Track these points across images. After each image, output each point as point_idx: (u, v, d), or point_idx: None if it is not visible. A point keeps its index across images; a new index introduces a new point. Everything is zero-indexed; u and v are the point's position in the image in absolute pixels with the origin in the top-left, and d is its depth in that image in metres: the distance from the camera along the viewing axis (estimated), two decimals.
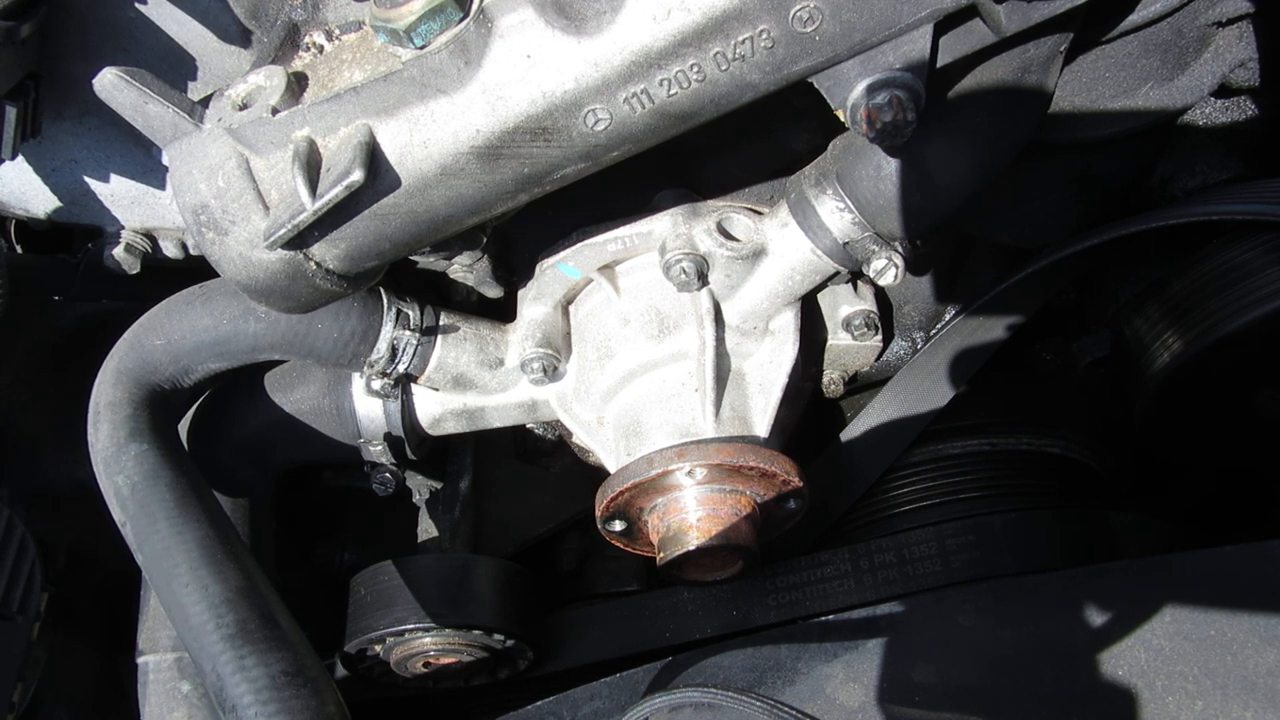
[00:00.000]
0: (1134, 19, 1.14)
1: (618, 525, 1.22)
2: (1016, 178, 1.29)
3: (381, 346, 1.26)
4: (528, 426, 1.49)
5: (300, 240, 0.96)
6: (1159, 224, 1.22)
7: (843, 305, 1.37)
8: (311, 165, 0.92)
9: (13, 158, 1.23)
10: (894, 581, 1.35)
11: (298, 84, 0.96)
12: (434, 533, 1.55)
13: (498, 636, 1.39)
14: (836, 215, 1.15)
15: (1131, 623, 1.02)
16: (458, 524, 1.51)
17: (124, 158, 1.37)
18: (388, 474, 1.43)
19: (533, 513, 1.59)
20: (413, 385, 1.36)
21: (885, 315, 1.45)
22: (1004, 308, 1.40)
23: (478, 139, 0.92)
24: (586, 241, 1.27)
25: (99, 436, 1.21)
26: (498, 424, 1.40)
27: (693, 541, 1.15)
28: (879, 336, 1.38)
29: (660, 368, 1.24)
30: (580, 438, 1.35)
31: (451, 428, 1.40)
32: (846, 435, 1.45)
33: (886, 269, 1.19)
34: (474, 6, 0.88)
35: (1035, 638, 1.07)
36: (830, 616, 1.22)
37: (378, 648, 1.41)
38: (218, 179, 0.96)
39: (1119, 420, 1.50)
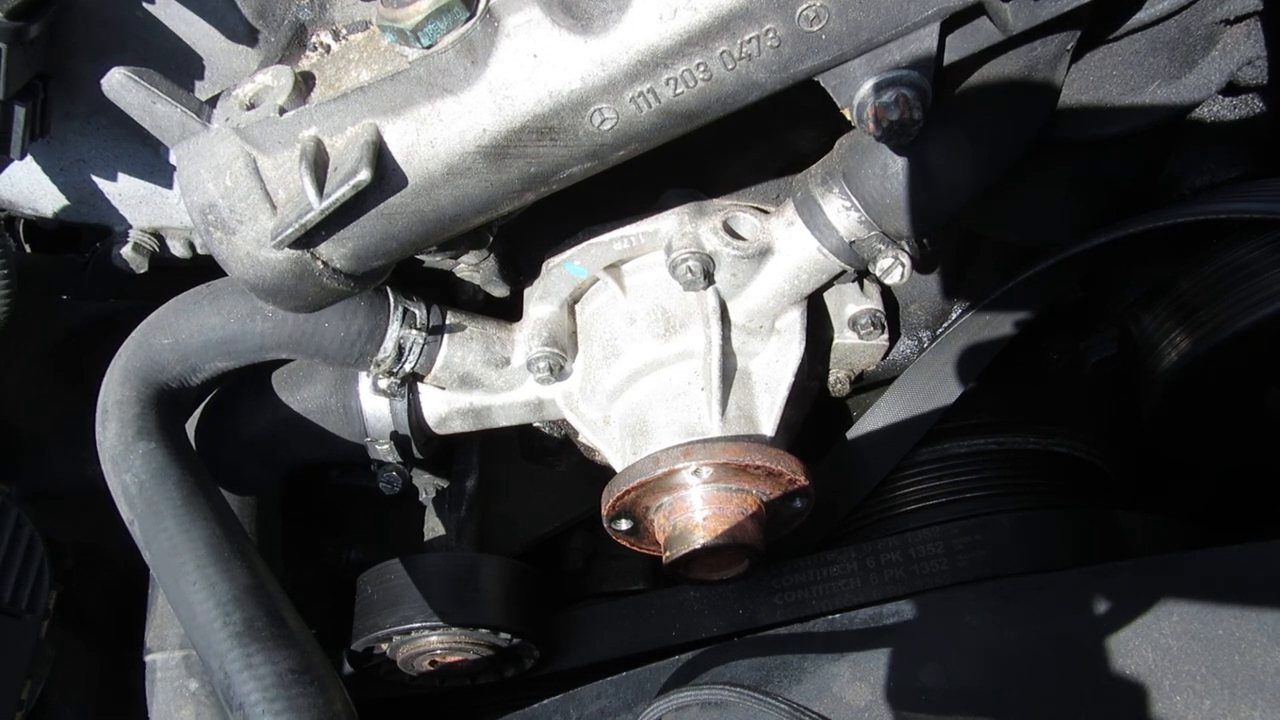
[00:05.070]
0: (1141, 16, 1.14)
1: (624, 524, 1.22)
2: (1023, 176, 1.28)
3: (388, 345, 1.27)
4: (534, 425, 1.49)
5: (307, 240, 0.96)
6: (1167, 222, 1.21)
7: (849, 304, 1.37)
8: (319, 165, 0.92)
9: (22, 157, 1.23)
10: (900, 581, 1.35)
11: (305, 84, 0.96)
12: (440, 531, 1.55)
13: (504, 635, 1.39)
14: (843, 214, 1.15)
15: (1139, 622, 1.02)
16: (464, 523, 1.52)
17: (132, 157, 1.37)
18: (394, 473, 1.44)
19: (539, 511, 1.60)
20: (419, 384, 1.36)
21: (891, 314, 1.44)
22: (1011, 306, 1.40)
23: (484, 138, 0.92)
24: (593, 240, 1.27)
25: (107, 435, 1.21)
26: (504, 423, 1.40)
27: (699, 540, 1.15)
28: (885, 335, 1.38)
29: (666, 367, 1.24)
30: (586, 437, 1.35)
31: (458, 427, 1.40)
32: (853, 434, 1.45)
33: (893, 268, 1.19)
34: (480, 6, 0.88)
35: (1042, 637, 1.07)
36: (836, 616, 1.21)
37: (384, 646, 1.41)
38: (225, 178, 0.96)
39: (1126, 419, 1.50)
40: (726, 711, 1.08)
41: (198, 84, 1.30)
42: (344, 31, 1.00)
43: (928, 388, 1.42)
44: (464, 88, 0.91)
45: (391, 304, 1.27)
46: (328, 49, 1.01)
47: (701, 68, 0.89)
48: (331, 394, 1.38)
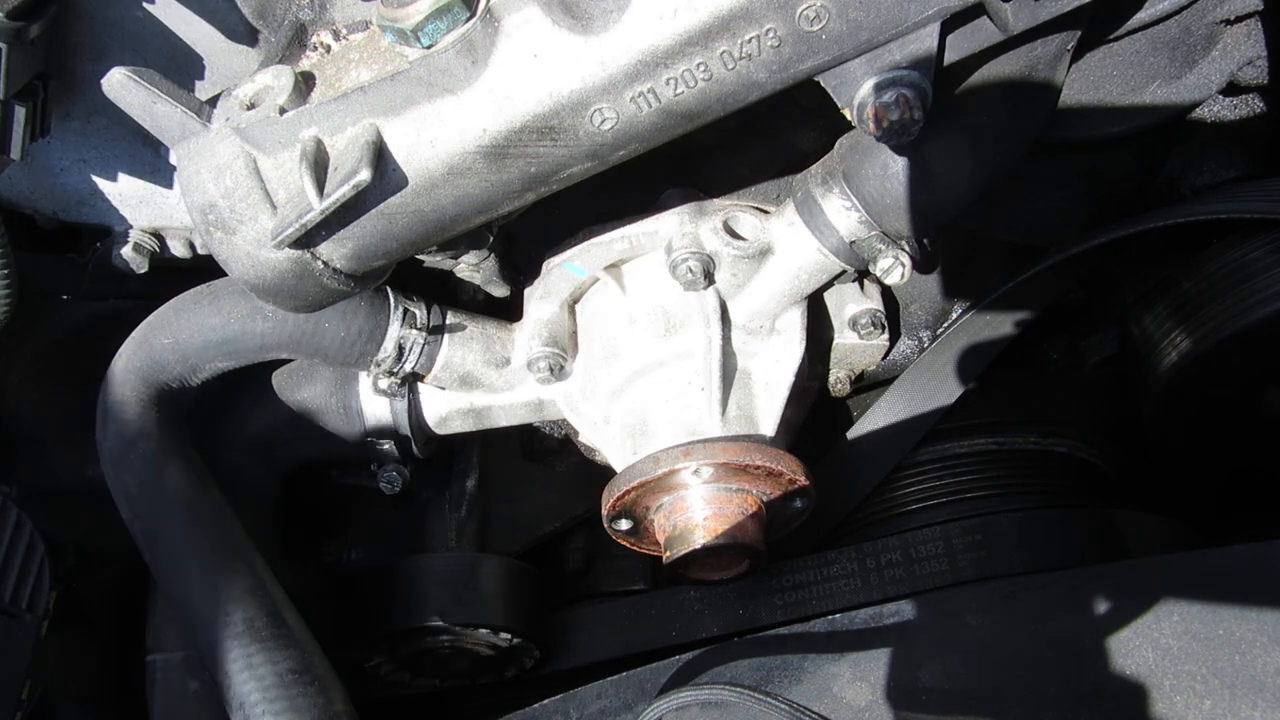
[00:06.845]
0: (1141, 16, 1.14)
1: (624, 524, 1.22)
2: (1024, 175, 1.28)
3: (388, 345, 1.27)
4: (534, 425, 1.49)
5: (308, 239, 0.96)
6: (1167, 222, 1.21)
7: (849, 304, 1.37)
8: (319, 165, 0.92)
9: (22, 158, 1.23)
10: (900, 581, 1.35)
11: (305, 84, 0.96)
12: (440, 531, 1.55)
13: (504, 635, 1.39)
14: (843, 214, 1.15)
15: (1139, 622, 1.02)
16: (464, 523, 1.52)
17: (132, 157, 1.37)
18: (394, 472, 1.44)
19: (539, 511, 1.60)
20: (419, 384, 1.36)
21: (892, 314, 1.44)
22: (1011, 306, 1.40)
23: (484, 138, 0.92)
24: (593, 240, 1.27)
25: (107, 435, 1.21)
26: (504, 423, 1.40)
27: (699, 540, 1.15)
28: (885, 335, 1.38)
29: (667, 366, 1.24)
30: (587, 436, 1.35)
31: (458, 427, 1.40)
32: (853, 434, 1.45)
33: (893, 268, 1.19)
34: (480, 6, 0.88)
35: (1042, 637, 1.07)
36: (836, 616, 1.21)
37: (385, 646, 1.41)
38: (225, 178, 0.96)
39: (1127, 419, 1.50)
40: (726, 711, 1.08)
41: (198, 84, 1.30)
42: (344, 31, 1.00)
43: (928, 388, 1.42)
44: (464, 88, 0.91)
45: (392, 304, 1.27)
46: (328, 49, 1.01)
47: (702, 67, 0.89)
48: (332, 394, 1.38)
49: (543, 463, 1.59)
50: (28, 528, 1.26)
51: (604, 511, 1.20)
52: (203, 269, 1.35)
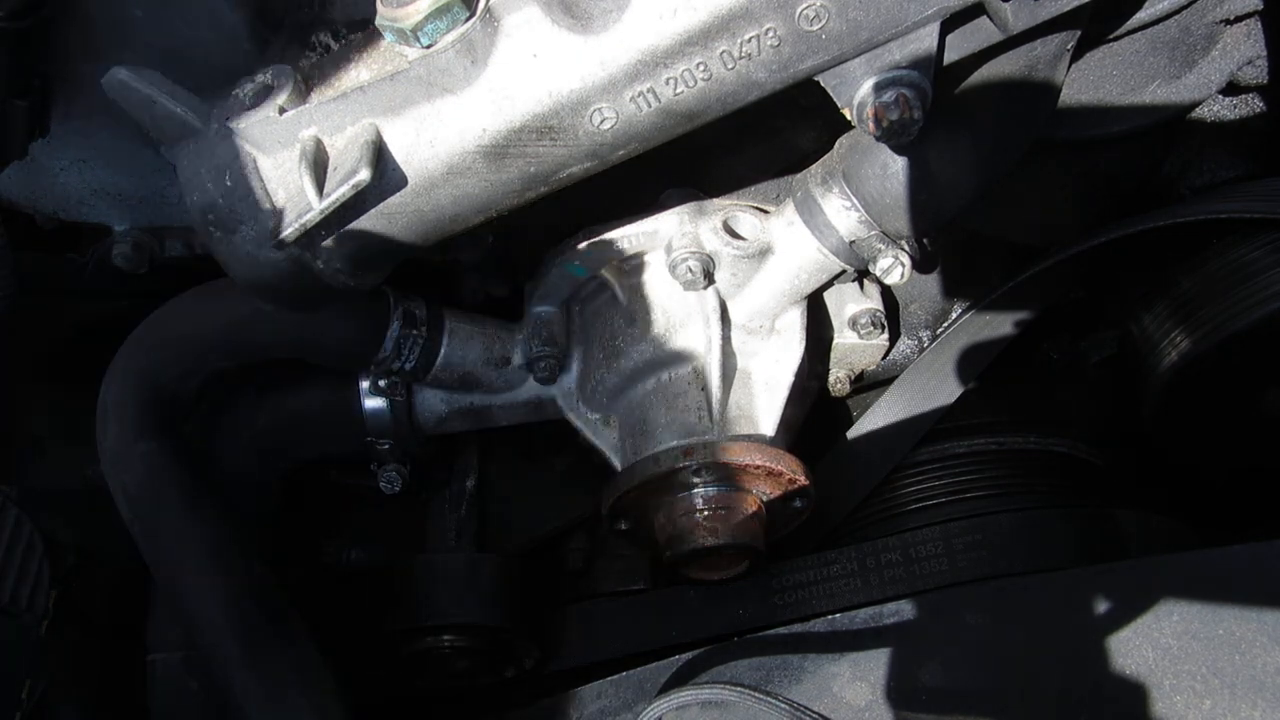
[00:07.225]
0: (1141, 16, 1.14)
1: (624, 524, 1.22)
2: (1024, 175, 1.28)
3: (388, 345, 1.27)
4: (534, 425, 1.49)
5: (307, 239, 0.96)
6: (1166, 222, 1.21)
7: (849, 304, 1.37)
8: (318, 165, 0.93)
9: (22, 157, 1.23)
10: (900, 581, 1.34)
11: (305, 83, 0.96)
12: (440, 531, 1.55)
13: (503, 634, 1.39)
14: (843, 214, 1.15)
15: (1139, 622, 1.02)
16: (464, 522, 1.52)
17: (132, 157, 1.37)
18: (394, 472, 1.44)
19: (539, 511, 1.59)
20: (419, 383, 1.36)
21: (891, 314, 1.44)
22: (1011, 306, 1.40)
23: (484, 138, 0.92)
24: (593, 240, 1.27)
25: (107, 435, 1.21)
26: (504, 422, 1.40)
27: (699, 540, 1.15)
28: (885, 335, 1.38)
29: (666, 367, 1.24)
30: (586, 436, 1.35)
31: (458, 426, 1.40)
32: (853, 434, 1.45)
33: (893, 268, 1.19)
34: (480, 6, 0.88)
35: (1042, 636, 1.07)
36: (836, 616, 1.21)
37: (385, 646, 1.41)
38: (225, 178, 0.97)
39: (1127, 419, 1.49)
40: (726, 711, 1.08)
41: (198, 84, 1.30)
42: (344, 31, 1.01)
43: (928, 388, 1.42)
44: (464, 87, 0.91)
45: (391, 303, 1.27)
46: (328, 49, 1.01)
47: (701, 67, 0.89)
48: (331, 394, 1.38)
49: (542, 463, 1.59)
50: (27, 527, 1.26)
51: (604, 511, 1.20)
52: (203, 269, 1.35)
